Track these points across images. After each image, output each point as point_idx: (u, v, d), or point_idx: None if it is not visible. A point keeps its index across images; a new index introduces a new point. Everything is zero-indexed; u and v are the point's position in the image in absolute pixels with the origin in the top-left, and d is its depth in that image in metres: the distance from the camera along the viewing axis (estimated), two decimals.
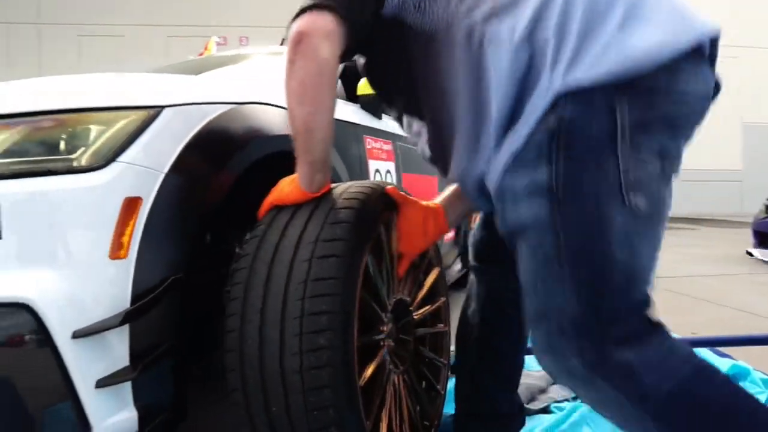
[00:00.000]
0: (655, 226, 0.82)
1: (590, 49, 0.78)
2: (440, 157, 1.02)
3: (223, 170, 1.14)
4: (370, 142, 1.98)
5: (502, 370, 1.27)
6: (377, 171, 2.00)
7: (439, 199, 1.21)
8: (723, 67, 0.88)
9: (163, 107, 1.06)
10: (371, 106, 2.13)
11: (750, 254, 4.90)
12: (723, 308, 3.01)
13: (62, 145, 0.97)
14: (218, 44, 12.60)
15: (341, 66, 2.28)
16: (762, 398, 1.55)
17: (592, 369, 0.79)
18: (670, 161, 0.82)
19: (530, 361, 1.97)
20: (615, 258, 0.78)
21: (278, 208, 1.02)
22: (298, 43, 0.92)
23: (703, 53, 0.82)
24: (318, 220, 0.96)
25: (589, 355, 0.79)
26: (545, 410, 1.61)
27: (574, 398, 1.69)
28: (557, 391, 1.73)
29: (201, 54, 3.53)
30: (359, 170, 1.85)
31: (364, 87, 2.08)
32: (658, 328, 0.80)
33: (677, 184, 0.86)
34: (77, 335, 0.87)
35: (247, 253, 0.99)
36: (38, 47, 11.03)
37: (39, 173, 0.92)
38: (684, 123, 0.83)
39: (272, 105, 1.39)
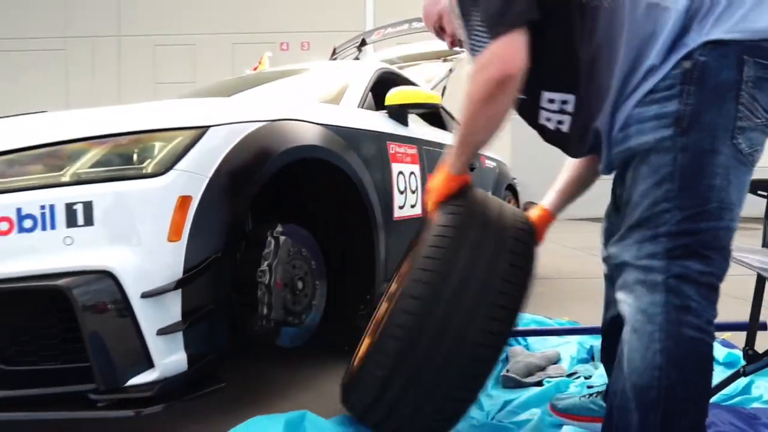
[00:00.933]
0: (747, 170, 1.01)
1: (733, 15, 0.98)
2: (581, 126, 1.14)
3: (256, 174, 1.47)
4: (394, 147, 2.27)
5: None
6: (400, 173, 2.29)
7: (546, 201, 1.45)
8: None
9: (208, 127, 1.40)
10: (397, 114, 2.42)
11: None
12: None
13: (135, 158, 1.33)
14: (281, 50, 13.09)
15: (373, 78, 2.58)
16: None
17: (664, 275, 0.99)
18: None
19: (534, 344, 2.22)
20: (714, 184, 0.98)
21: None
22: (505, 84, 1.07)
23: None
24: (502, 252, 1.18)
25: (669, 263, 0.99)
26: (539, 383, 1.85)
27: (569, 375, 1.92)
28: (553, 370, 1.96)
29: (255, 68, 3.92)
30: (381, 173, 2.14)
31: (392, 97, 2.38)
32: (716, 287, 1.01)
33: None
34: (144, 295, 1.22)
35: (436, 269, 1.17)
36: (118, 58, 11.93)
37: (119, 178, 1.28)
38: None
39: (300, 120, 1.71)
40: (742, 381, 1.68)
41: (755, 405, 1.61)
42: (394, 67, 3.06)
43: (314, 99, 2.32)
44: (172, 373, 1.25)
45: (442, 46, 4.44)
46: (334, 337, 1.98)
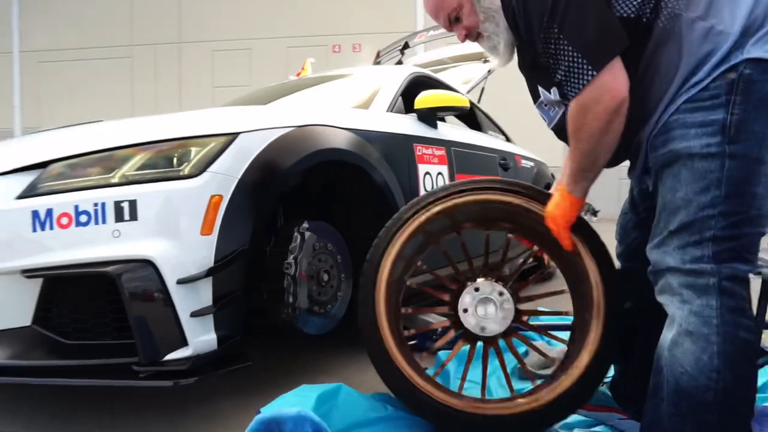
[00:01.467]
0: None
1: None
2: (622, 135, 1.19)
3: (282, 176, 1.64)
4: (420, 149, 2.39)
5: None
6: (427, 173, 2.41)
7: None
8: None
9: (238, 134, 1.58)
10: (427, 117, 2.54)
11: None
12: None
13: (174, 161, 1.52)
14: (333, 52, 13.34)
15: (404, 83, 2.70)
16: None
17: (716, 278, 1.04)
18: None
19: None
20: (757, 192, 1.04)
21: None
22: (619, 110, 1.12)
23: None
24: None
25: (719, 266, 1.04)
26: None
27: None
28: None
29: (299, 74, 4.13)
30: (408, 174, 2.27)
31: (421, 101, 2.51)
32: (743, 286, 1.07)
33: None
34: (180, 282, 1.40)
35: None
36: (179, 63, 12.53)
37: (160, 179, 1.47)
38: None
39: (324, 125, 1.87)
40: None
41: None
42: (428, 71, 3.18)
43: (346, 104, 2.47)
44: (204, 350, 1.43)
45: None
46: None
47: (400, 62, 4.97)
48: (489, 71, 4.16)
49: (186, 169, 1.49)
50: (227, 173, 1.52)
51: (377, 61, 5.23)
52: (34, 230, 1.40)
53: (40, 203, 1.41)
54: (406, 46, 4.98)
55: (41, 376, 1.40)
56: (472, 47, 4.58)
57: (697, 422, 1.06)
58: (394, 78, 2.67)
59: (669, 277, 1.11)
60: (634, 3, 1.14)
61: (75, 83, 12.68)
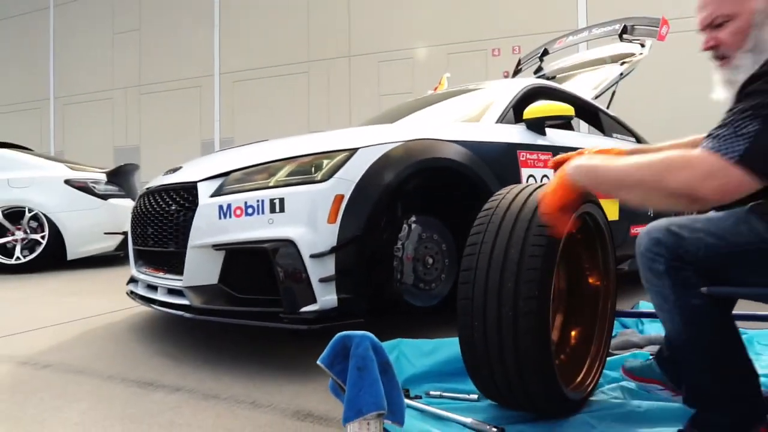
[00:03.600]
0: None
1: None
2: None
3: (389, 179, 2.16)
4: (524, 155, 2.76)
5: None
6: (531, 176, 2.77)
7: None
8: None
9: (357, 149, 2.13)
10: (534, 125, 2.90)
11: None
12: None
13: (312, 170, 2.11)
14: (493, 56, 13.52)
15: (517, 96, 3.09)
16: None
17: None
18: None
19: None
20: None
21: None
22: (696, 202, 1.12)
23: None
24: None
25: None
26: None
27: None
28: (649, 348, 2.28)
29: (436, 88, 4.63)
30: (510, 177, 2.66)
31: (528, 112, 2.87)
32: None
33: None
34: (312, 256, 1.99)
35: None
36: (348, 75, 13.76)
37: (301, 183, 2.08)
38: None
39: (429, 139, 2.36)
40: None
41: None
42: (545, 82, 3.50)
43: (460, 117, 2.94)
44: (328, 306, 2.01)
45: (619, 50, 4.89)
46: None
47: (540, 68, 5.24)
48: (621, 74, 4.30)
49: (318, 176, 2.08)
50: (348, 178, 2.08)
51: (518, 69, 5.54)
52: (220, 218, 2.09)
53: (224, 200, 2.11)
54: (545, 52, 5.23)
55: (221, 317, 2.09)
56: (608, 51, 4.72)
57: None
58: (506, 92, 3.07)
59: None
60: None
61: (261, 98, 14.60)
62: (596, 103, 3.96)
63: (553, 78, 4.92)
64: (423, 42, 13.02)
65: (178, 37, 15.40)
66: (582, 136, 3.51)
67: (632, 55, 4.47)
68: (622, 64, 4.49)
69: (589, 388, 1.66)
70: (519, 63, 5.53)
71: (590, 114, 3.85)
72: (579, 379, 1.66)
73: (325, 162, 2.11)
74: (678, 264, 1.26)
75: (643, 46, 4.49)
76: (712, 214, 1.31)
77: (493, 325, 1.33)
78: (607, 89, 4.29)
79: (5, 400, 1.83)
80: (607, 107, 4.30)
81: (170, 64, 15.53)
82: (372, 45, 13.48)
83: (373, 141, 2.21)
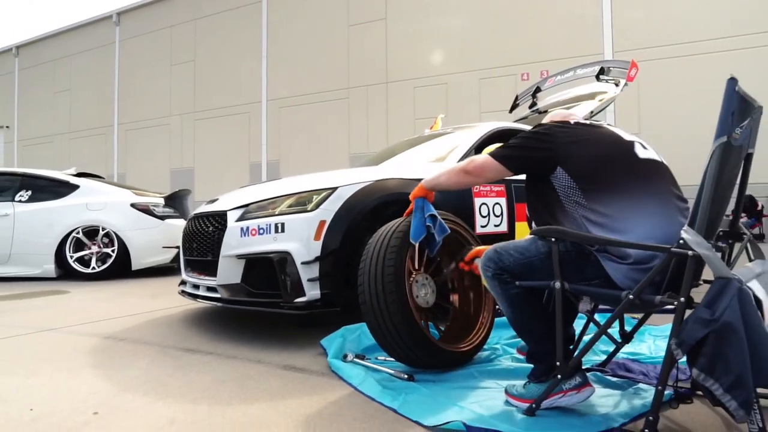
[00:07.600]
0: None
1: None
2: None
3: (359, 209, 3.07)
4: (478, 187, 3.62)
5: None
6: (483, 204, 3.62)
7: None
8: None
9: (337, 187, 3.07)
10: None
11: None
12: None
13: (305, 202, 3.06)
14: (522, 80, 14.33)
15: (480, 139, 3.98)
16: None
17: None
18: None
19: None
20: None
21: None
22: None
23: None
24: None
25: None
26: None
27: None
28: None
29: (431, 127, 5.51)
30: (463, 205, 3.52)
31: (485, 152, 3.73)
32: None
33: None
34: (303, 263, 2.94)
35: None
36: (386, 100, 14.77)
37: (297, 212, 3.03)
38: None
39: (393, 178, 3.26)
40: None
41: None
42: (511, 124, 4.35)
43: (428, 158, 3.84)
44: (314, 299, 2.94)
45: (600, 88, 5.89)
46: None
47: (534, 103, 6.05)
48: (591, 112, 5.07)
49: (309, 207, 3.03)
50: (330, 209, 3.02)
51: (516, 104, 6.36)
52: (242, 236, 3.07)
53: (245, 224, 3.08)
54: (537, 90, 6.05)
55: (242, 305, 3.07)
56: (590, 89, 5.51)
57: None
58: (471, 136, 3.95)
59: None
60: None
61: (305, 122, 15.79)
62: None
63: (545, 112, 5.73)
64: (456, 68, 13.96)
65: (229, 68, 16.94)
66: None
67: (606, 93, 5.24)
68: (600, 100, 5.26)
69: (475, 342, 2.53)
70: (516, 98, 6.33)
71: None
72: (469, 337, 2.55)
73: (314, 197, 3.05)
74: (500, 271, 2.12)
75: (617, 85, 5.26)
76: (521, 240, 2.17)
77: (374, 298, 2.30)
78: (592, 116, 5.07)
79: (97, 358, 2.84)
80: None
81: (222, 92, 17.07)
82: (408, 71, 14.53)
83: (350, 181, 3.14)
